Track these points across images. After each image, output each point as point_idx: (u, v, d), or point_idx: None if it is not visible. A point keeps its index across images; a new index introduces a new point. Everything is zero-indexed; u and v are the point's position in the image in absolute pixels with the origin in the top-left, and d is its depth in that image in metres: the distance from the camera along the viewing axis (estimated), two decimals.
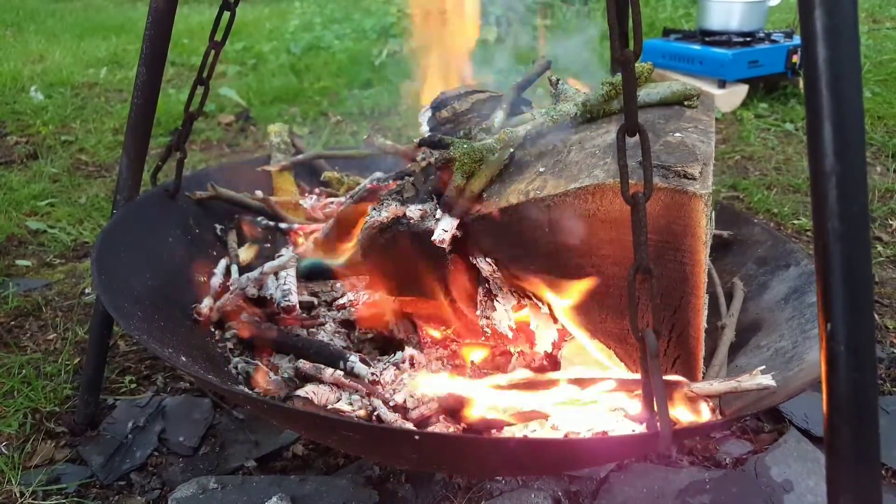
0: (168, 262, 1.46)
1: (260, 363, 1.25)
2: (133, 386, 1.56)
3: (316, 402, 1.14)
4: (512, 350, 1.30)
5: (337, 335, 1.38)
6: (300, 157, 1.95)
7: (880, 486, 0.72)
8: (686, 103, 1.33)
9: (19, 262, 2.12)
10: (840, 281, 0.68)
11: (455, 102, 1.46)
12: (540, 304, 1.22)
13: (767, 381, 1.03)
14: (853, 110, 0.67)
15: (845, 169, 0.66)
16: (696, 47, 3.59)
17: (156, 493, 1.28)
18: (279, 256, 1.54)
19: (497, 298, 1.22)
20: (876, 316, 1.04)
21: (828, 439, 0.71)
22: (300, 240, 1.62)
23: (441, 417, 1.14)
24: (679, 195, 1.03)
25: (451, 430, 1.10)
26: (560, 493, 1.24)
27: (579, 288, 1.16)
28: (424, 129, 1.48)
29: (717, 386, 1.05)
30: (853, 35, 0.67)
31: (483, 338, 1.28)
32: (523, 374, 1.17)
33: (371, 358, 1.31)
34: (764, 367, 1.11)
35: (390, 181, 1.41)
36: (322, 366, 1.23)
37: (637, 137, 0.83)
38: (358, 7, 6.22)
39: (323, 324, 1.40)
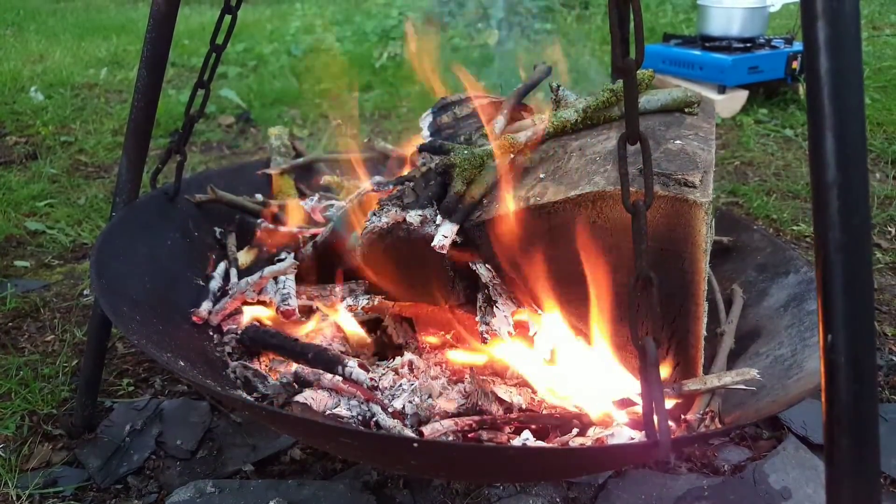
0: (167, 265, 1.46)
1: (256, 369, 1.25)
2: (131, 388, 1.56)
3: (314, 408, 1.13)
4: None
5: (335, 340, 1.37)
6: (300, 160, 1.95)
7: (880, 497, 0.72)
8: (686, 110, 1.33)
9: (18, 262, 2.11)
10: (841, 292, 0.68)
11: (456, 107, 1.46)
12: (539, 310, 1.22)
13: (752, 373, 1.10)
14: (855, 121, 0.66)
15: (847, 180, 0.66)
16: (697, 53, 3.59)
17: (153, 497, 1.27)
18: (279, 260, 1.54)
19: (496, 304, 1.22)
20: (875, 323, 1.04)
21: (827, 450, 0.71)
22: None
23: (440, 422, 1.13)
24: (679, 203, 1.03)
25: (451, 437, 1.10)
26: (558, 500, 1.24)
27: (578, 295, 1.16)
28: (425, 134, 1.48)
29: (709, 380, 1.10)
30: (855, 45, 0.67)
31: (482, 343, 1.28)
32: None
33: (369, 363, 1.31)
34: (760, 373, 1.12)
35: (390, 186, 1.40)
36: (320, 371, 1.22)
37: (638, 145, 0.83)
38: (359, 9, 6.23)
39: (322, 328, 1.40)
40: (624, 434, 1.07)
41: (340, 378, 1.20)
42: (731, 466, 1.34)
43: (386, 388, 1.20)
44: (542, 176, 1.19)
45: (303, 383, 1.21)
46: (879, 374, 1.60)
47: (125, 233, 1.37)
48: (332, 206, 1.68)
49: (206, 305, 1.42)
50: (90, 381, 1.40)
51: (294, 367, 1.26)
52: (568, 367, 1.22)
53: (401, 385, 1.20)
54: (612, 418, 1.11)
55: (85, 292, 1.94)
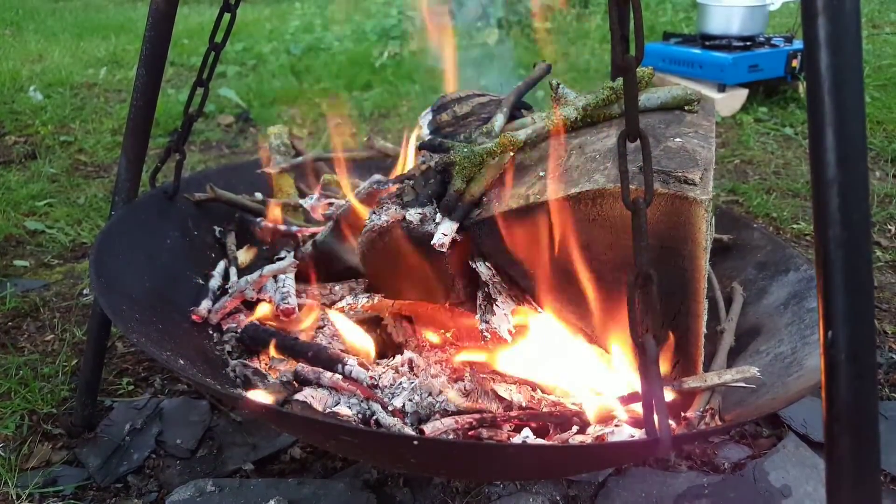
0: (166, 264, 1.46)
1: (256, 368, 1.25)
2: (130, 388, 1.55)
3: (314, 406, 1.13)
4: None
5: (335, 338, 1.37)
6: (299, 159, 1.94)
7: (880, 495, 0.72)
8: (686, 108, 1.33)
9: (17, 262, 2.11)
10: (841, 289, 0.68)
11: (455, 106, 1.45)
12: (539, 308, 1.22)
13: (752, 371, 1.09)
14: (855, 118, 0.66)
15: (847, 177, 0.66)
16: (697, 51, 3.59)
17: (153, 496, 1.27)
18: (278, 259, 1.54)
19: (496, 302, 1.22)
20: (875, 321, 1.04)
21: (827, 448, 0.71)
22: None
23: (441, 421, 1.13)
24: (679, 201, 1.03)
25: (451, 435, 1.10)
26: (558, 498, 1.24)
27: (578, 293, 1.16)
28: (425, 133, 1.47)
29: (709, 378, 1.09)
30: (856, 42, 0.67)
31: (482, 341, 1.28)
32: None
33: (369, 362, 1.30)
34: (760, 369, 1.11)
35: (390, 184, 1.40)
36: (320, 369, 1.22)
37: (638, 142, 0.83)
38: (358, 8, 6.22)
39: (322, 327, 1.40)
40: (624, 432, 1.07)
41: (340, 376, 1.20)
42: (731, 464, 1.34)
43: (386, 386, 1.20)
44: (541, 174, 1.19)
45: (303, 381, 1.21)
46: (879, 371, 1.60)
47: (124, 232, 1.37)
48: (331, 204, 1.67)
49: (205, 304, 1.42)
50: (90, 381, 1.40)
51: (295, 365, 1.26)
52: (568, 365, 1.22)
53: (401, 383, 1.20)
54: (612, 416, 1.11)
55: (84, 291, 1.94)
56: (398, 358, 1.30)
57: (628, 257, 1.06)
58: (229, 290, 1.46)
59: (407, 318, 1.43)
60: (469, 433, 1.12)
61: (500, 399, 1.18)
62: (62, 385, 1.54)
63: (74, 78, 4.20)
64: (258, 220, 1.69)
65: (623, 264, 1.11)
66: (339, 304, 1.41)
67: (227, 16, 1.35)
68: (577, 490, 1.26)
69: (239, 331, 1.37)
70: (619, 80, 1.30)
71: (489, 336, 1.20)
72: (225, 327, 1.40)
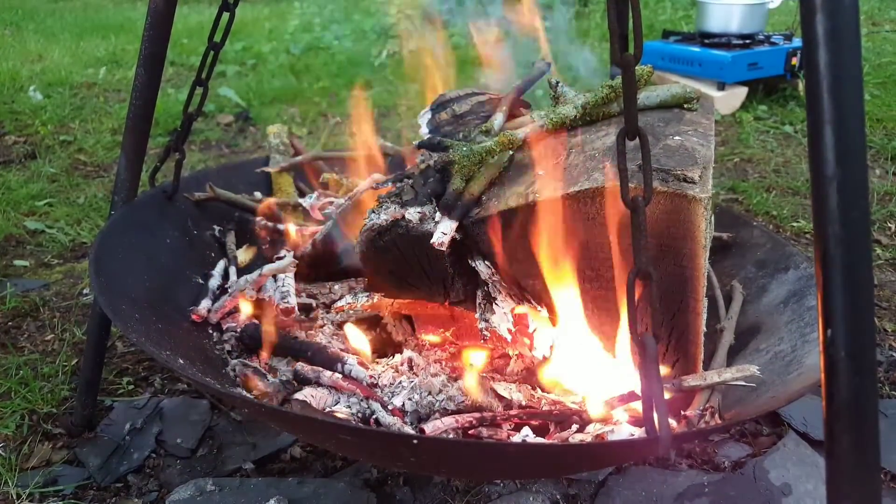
0: (166, 264, 1.46)
1: (256, 367, 1.25)
2: (131, 387, 1.55)
3: (314, 406, 1.13)
4: (510, 353, 1.29)
5: (335, 337, 1.37)
6: (299, 158, 1.94)
7: (880, 493, 0.72)
8: (686, 106, 1.33)
9: (17, 262, 2.11)
10: (840, 286, 0.68)
11: (454, 104, 1.45)
12: (538, 307, 1.22)
13: (752, 369, 1.09)
14: (854, 115, 0.66)
15: (846, 174, 0.66)
16: (696, 49, 3.59)
17: (153, 496, 1.27)
18: (278, 258, 1.54)
19: (496, 301, 1.22)
20: (875, 319, 1.04)
21: (828, 446, 0.71)
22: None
23: (441, 420, 1.13)
24: (679, 199, 1.03)
25: (451, 434, 1.10)
26: (558, 496, 1.24)
27: (578, 291, 1.16)
28: (424, 131, 1.47)
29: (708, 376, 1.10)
30: (855, 39, 0.67)
31: (482, 340, 1.28)
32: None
33: (369, 361, 1.30)
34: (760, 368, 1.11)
35: (389, 183, 1.40)
36: (320, 368, 1.22)
37: (637, 141, 0.83)
38: (357, 8, 6.22)
39: (321, 326, 1.40)
40: (624, 430, 1.07)
41: (340, 375, 1.20)
42: (731, 463, 1.34)
43: (385, 385, 1.20)
44: (541, 172, 1.19)
45: (302, 381, 1.21)
46: (879, 370, 1.60)
47: (124, 231, 1.37)
48: (331, 203, 1.67)
49: (205, 303, 1.42)
50: (90, 380, 1.40)
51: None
52: (568, 363, 1.21)
53: (400, 382, 1.20)
54: (612, 414, 1.11)
55: (84, 291, 1.94)
56: (398, 357, 1.30)
57: (627, 256, 1.06)
58: (229, 290, 1.46)
59: (406, 317, 1.43)
60: (469, 432, 1.12)
61: (500, 398, 1.17)
62: (62, 385, 1.54)
63: (74, 78, 4.20)
64: (258, 219, 1.69)
65: (622, 263, 1.10)
66: (339, 303, 1.41)
67: (226, 15, 1.35)
68: (577, 489, 1.26)
69: (238, 330, 1.37)
70: (618, 79, 1.30)
71: (489, 335, 1.20)
72: (225, 326, 1.40)
